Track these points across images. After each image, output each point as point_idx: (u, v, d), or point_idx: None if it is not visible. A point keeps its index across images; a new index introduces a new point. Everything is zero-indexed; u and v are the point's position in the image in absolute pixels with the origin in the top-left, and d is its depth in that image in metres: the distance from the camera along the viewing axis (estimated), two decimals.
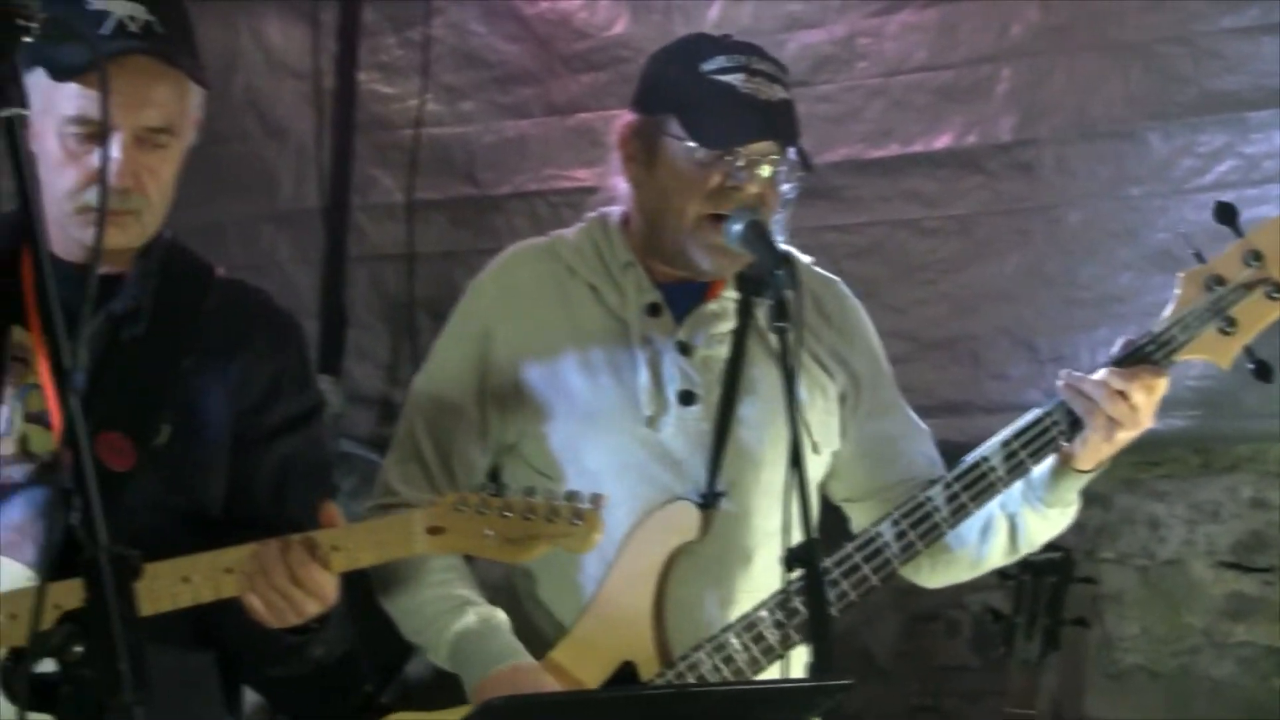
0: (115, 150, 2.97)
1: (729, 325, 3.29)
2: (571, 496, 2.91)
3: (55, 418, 3.07)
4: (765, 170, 3.15)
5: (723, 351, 3.30)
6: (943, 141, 4.65)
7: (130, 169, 2.99)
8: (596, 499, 2.91)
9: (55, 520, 2.86)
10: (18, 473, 3.06)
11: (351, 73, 5.48)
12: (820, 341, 3.34)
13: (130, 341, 3.10)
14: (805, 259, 3.28)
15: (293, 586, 2.90)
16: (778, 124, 3.22)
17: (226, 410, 3.18)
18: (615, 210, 3.34)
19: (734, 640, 3.20)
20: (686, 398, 3.25)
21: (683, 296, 3.30)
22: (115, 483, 2.95)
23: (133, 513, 2.92)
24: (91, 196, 2.95)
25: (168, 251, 3.17)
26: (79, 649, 2.14)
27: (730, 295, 3.26)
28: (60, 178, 2.95)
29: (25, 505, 3.02)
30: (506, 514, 2.90)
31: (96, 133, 2.92)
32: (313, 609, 2.89)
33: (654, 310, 3.29)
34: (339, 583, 2.92)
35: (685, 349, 3.26)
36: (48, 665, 2.33)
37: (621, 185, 3.32)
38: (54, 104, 2.81)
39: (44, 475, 3.04)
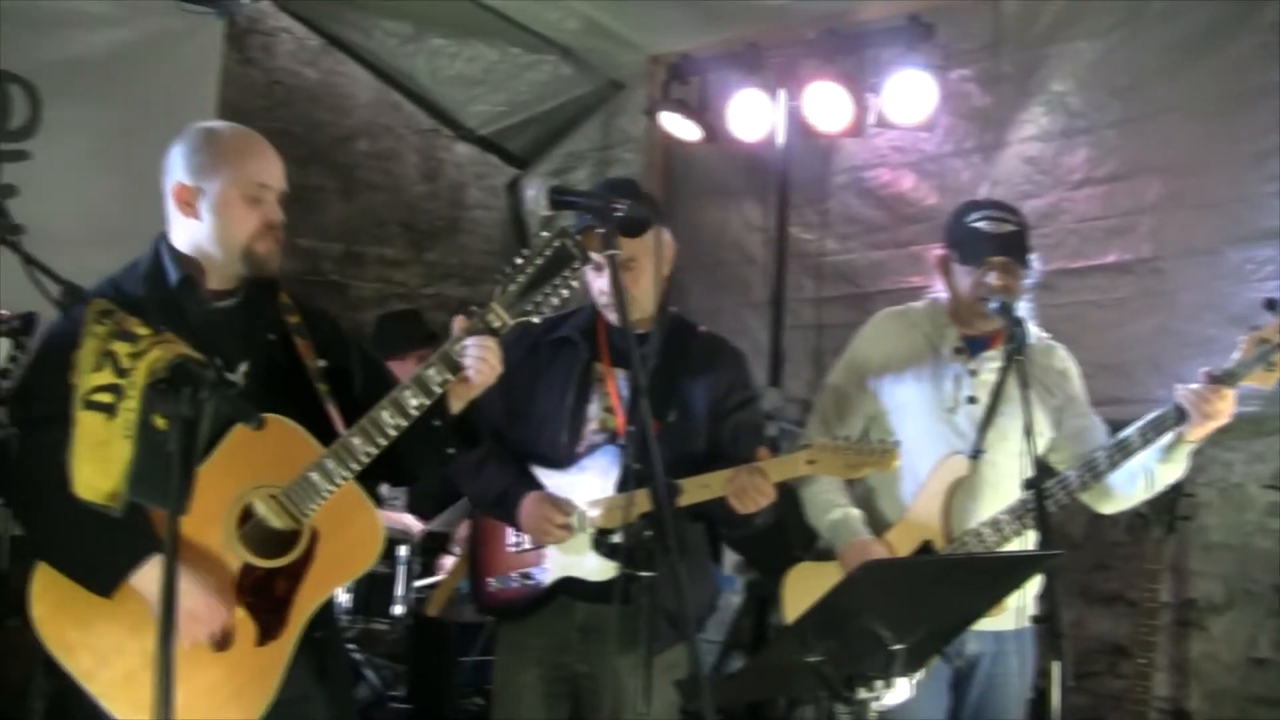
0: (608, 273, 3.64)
1: (998, 364, 4.04)
2: (882, 442, 3.75)
3: (617, 409, 3.91)
4: (1009, 272, 3.95)
5: (993, 377, 4.05)
6: (1110, 258, 5.37)
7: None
8: (895, 444, 3.74)
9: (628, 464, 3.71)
10: (600, 438, 3.91)
11: (785, 228, 6.28)
12: (1049, 377, 4.11)
13: (654, 366, 3.83)
14: (1045, 334, 4.14)
15: (750, 490, 3.67)
16: (1005, 245, 3.99)
17: (705, 401, 3.95)
18: (941, 295, 4.16)
19: (985, 530, 3.94)
20: (971, 400, 4.06)
21: (976, 345, 4.09)
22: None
23: (661, 456, 3.51)
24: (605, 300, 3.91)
25: (672, 319, 3.99)
26: (649, 532, 3.12)
27: (1000, 348, 4.01)
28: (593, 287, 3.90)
29: (604, 454, 3.87)
30: (848, 452, 3.71)
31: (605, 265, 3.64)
32: (762, 502, 3.68)
33: (959, 351, 4.08)
34: (774, 488, 3.69)
35: (974, 374, 4.07)
36: (617, 536, 3.65)
37: (939, 284, 4.15)
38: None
39: (613, 439, 3.88)
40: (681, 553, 2.94)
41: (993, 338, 4.07)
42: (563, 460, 3.94)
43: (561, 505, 3.84)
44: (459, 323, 3.21)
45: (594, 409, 3.96)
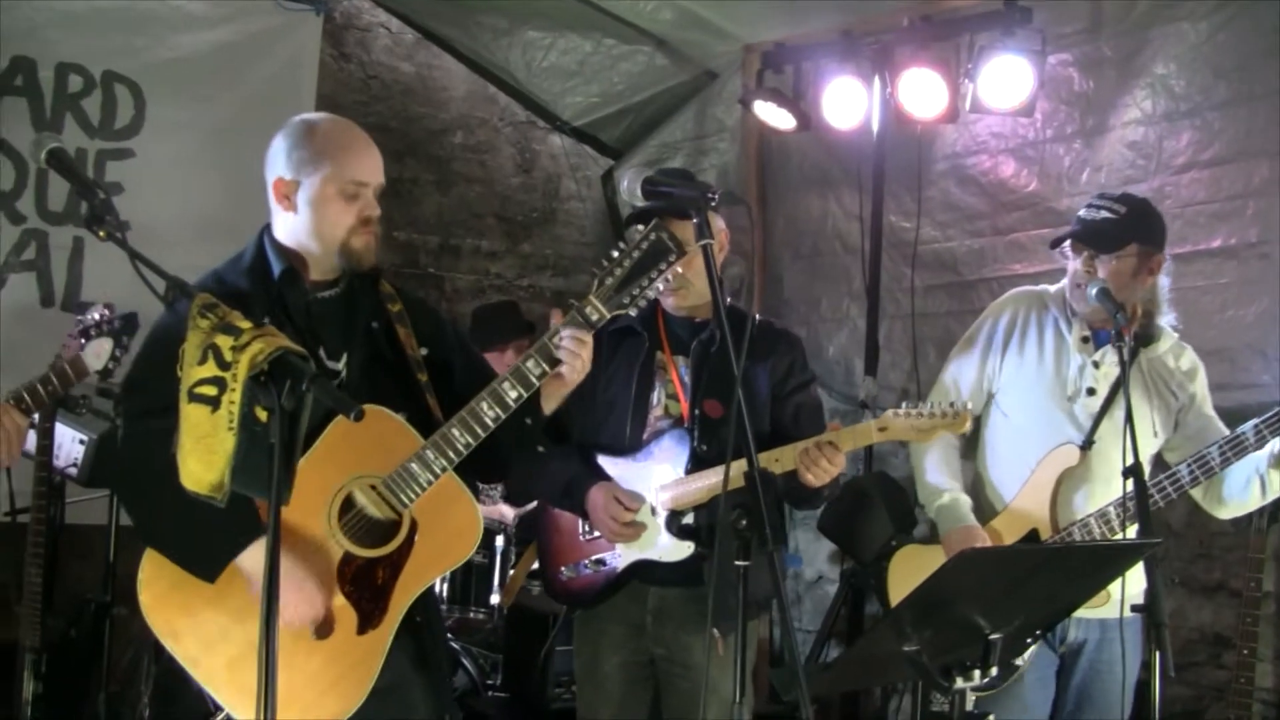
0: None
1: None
2: (952, 405, 3.75)
3: (681, 395, 4.03)
4: (1092, 261, 4.04)
5: (1115, 371, 4.09)
6: (1215, 243, 5.30)
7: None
8: (965, 406, 3.75)
9: (701, 447, 3.90)
10: (665, 424, 4.05)
11: (881, 215, 6.24)
12: (1174, 378, 4.17)
13: (714, 352, 4.00)
14: (1173, 333, 4.18)
15: (822, 461, 3.76)
16: (1087, 232, 4.07)
17: (766, 384, 4.07)
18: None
19: (1093, 522, 4.01)
20: (1091, 391, 4.12)
21: (1101, 337, 4.15)
22: (714, 424, 3.93)
23: (719, 439, 3.88)
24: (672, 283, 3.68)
25: (729, 309, 3.87)
26: (744, 521, 3.00)
27: (1127, 340, 3.85)
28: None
29: (670, 439, 4.00)
30: (920, 416, 3.76)
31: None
32: (833, 473, 3.80)
33: (1085, 341, 4.16)
34: (844, 459, 3.79)
35: (1096, 365, 4.14)
36: (689, 517, 3.85)
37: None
38: None
39: (678, 424, 4.01)
40: (776, 539, 2.97)
41: (1121, 331, 3.99)
42: (628, 448, 4.05)
43: (627, 500, 3.95)
44: (556, 316, 3.27)
45: (658, 396, 4.08)
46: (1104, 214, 4.07)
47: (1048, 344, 4.20)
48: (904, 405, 3.79)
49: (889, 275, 6.40)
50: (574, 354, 3.22)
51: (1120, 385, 4.00)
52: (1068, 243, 4.15)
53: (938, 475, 4.27)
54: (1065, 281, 4.22)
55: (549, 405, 3.34)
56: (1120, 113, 5.61)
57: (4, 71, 6.17)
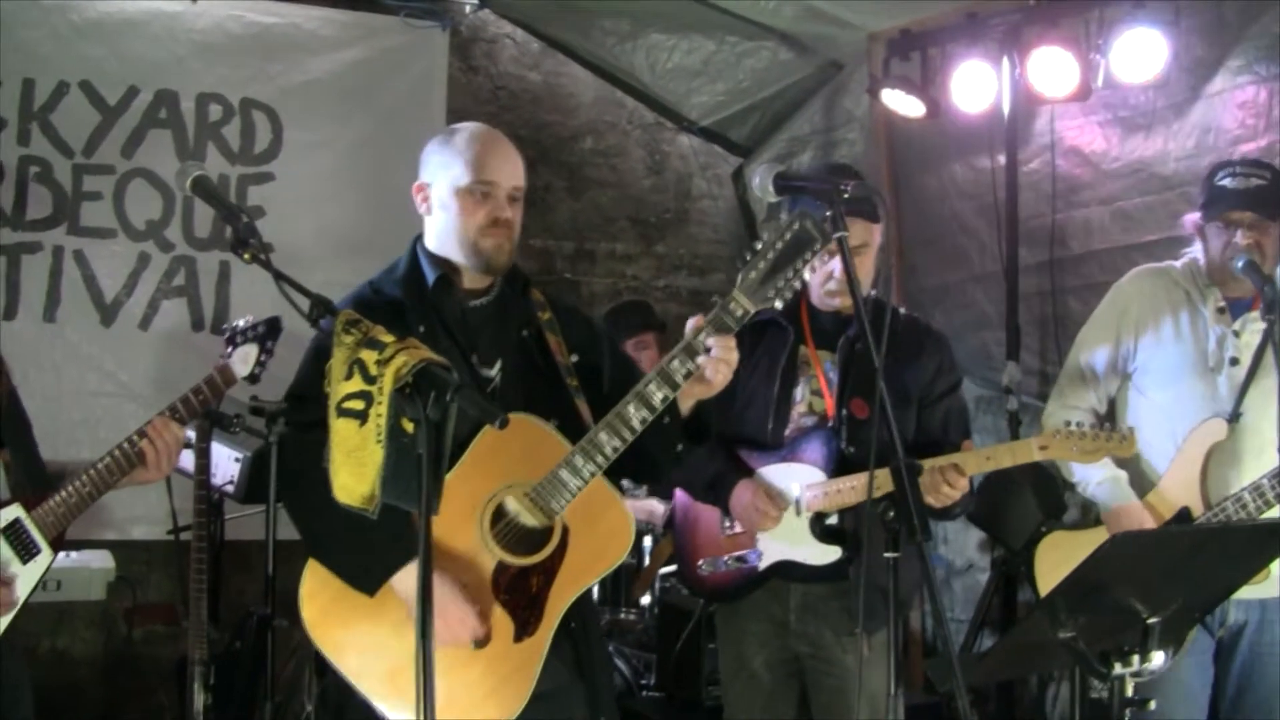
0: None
1: (1261, 325, 3.99)
2: (1116, 429, 3.75)
3: (826, 392, 3.99)
4: (1257, 229, 3.98)
5: (1258, 339, 4.03)
6: None
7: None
8: (1131, 431, 3.75)
9: (832, 450, 3.87)
10: (809, 421, 4.01)
11: (1015, 199, 6.11)
12: None
13: (860, 349, 3.95)
14: None
15: (943, 486, 3.69)
16: (1251, 201, 4.00)
17: (915, 385, 4.02)
18: (1199, 257, 4.18)
19: (1246, 496, 3.88)
20: (1234, 362, 4.06)
21: (1238, 306, 4.12)
22: (861, 425, 3.88)
23: (865, 441, 3.55)
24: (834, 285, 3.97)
25: (875, 304, 4.03)
26: (892, 513, 2.92)
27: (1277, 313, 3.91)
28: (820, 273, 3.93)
29: (815, 438, 3.96)
30: (1083, 438, 3.72)
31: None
32: (954, 497, 3.74)
33: (1221, 312, 4.11)
34: (966, 482, 3.70)
35: (1237, 334, 4.08)
36: (833, 519, 3.83)
37: (1198, 246, 4.18)
38: None
39: (823, 423, 3.97)
40: (925, 533, 2.91)
41: (1256, 298, 4.03)
42: (770, 444, 4.02)
43: (774, 496, 3.93)
44: (696, 321, 3.20)
45: (801, 392, 4.04)
46: (1256, 181, 4.00)
47: (1182, 318, 4.15)
48: (1071, 423, 3.74)
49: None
50: (720, 360, 3.15)
51: (1263, 353, 3.97)
52: (1192, 215, 4.15)
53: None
54: (1195, 253, 4.18)
55: (686, 406, 3.28)
56: (1230, 75, 5.39)
57: (149, 106, 6.41)
